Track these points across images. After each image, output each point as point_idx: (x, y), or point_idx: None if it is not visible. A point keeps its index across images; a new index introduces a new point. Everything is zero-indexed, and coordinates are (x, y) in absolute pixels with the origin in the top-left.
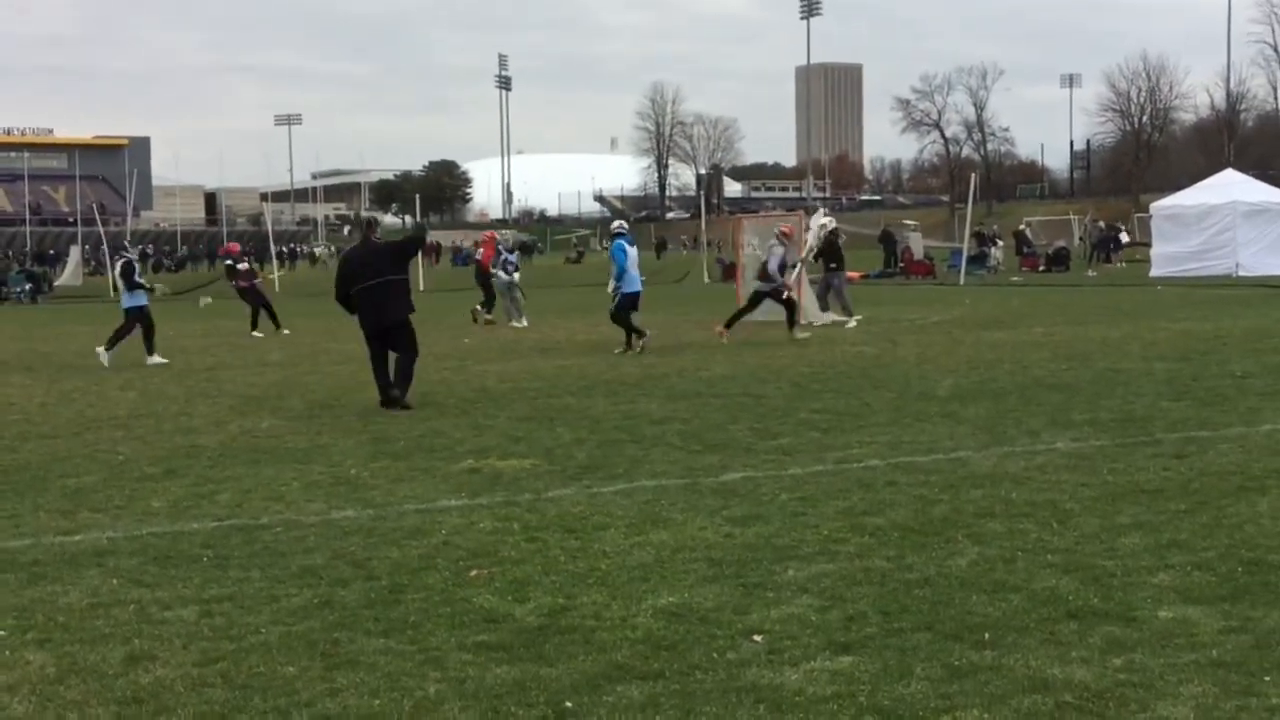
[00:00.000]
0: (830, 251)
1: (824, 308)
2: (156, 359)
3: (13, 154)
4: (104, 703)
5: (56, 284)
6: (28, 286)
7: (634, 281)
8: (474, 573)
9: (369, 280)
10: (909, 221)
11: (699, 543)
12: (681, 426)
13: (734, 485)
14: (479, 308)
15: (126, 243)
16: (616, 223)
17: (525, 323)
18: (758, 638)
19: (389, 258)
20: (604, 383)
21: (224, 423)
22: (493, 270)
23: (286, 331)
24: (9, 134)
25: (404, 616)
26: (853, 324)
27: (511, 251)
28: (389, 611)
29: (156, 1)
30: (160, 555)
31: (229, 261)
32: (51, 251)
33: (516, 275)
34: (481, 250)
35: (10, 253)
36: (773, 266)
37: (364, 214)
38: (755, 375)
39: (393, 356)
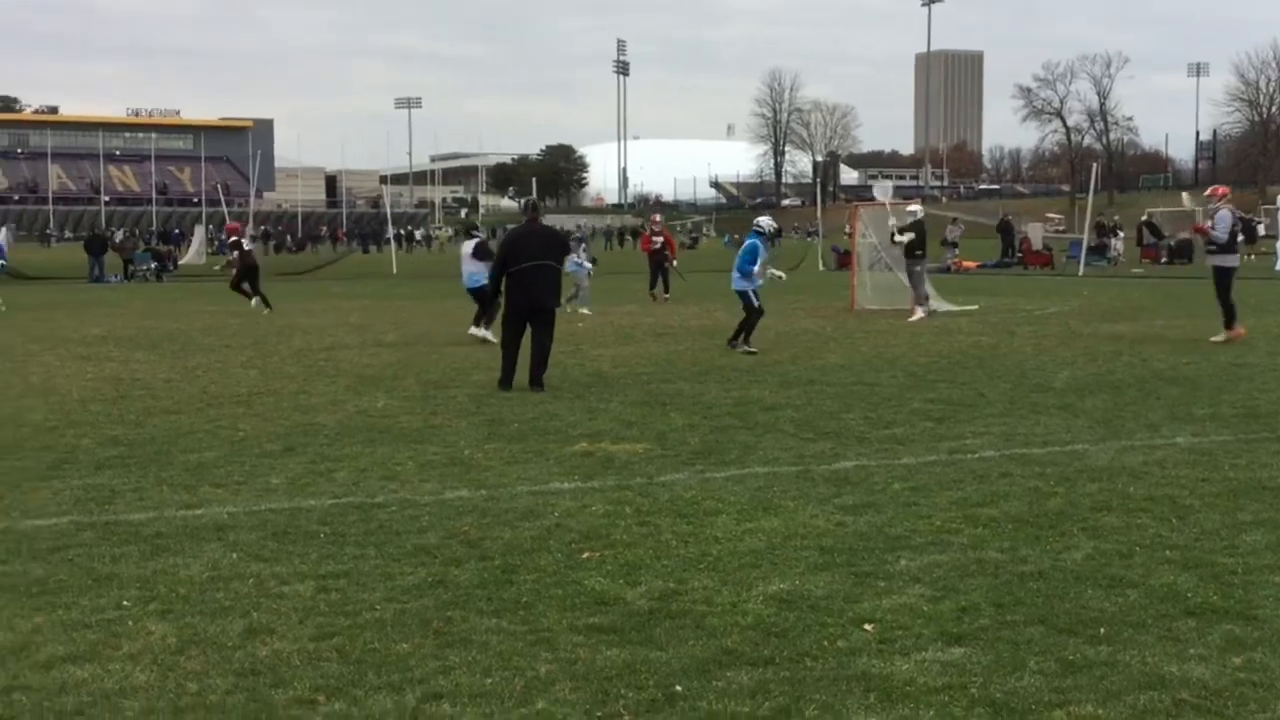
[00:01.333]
0: (917, 240)
1: (924, 297)
2: (480, 332)
3: (141, 135)
4: (223, 674)
5: (181, 262)
6: (153, 265)
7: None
8: (586, 555)
9: (528, 262)
10: (1054, 215)
11: (810, 530)
12: (794, 414)
13: (846, 473)
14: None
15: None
16: (765, 218)
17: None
18: (868, 626)
19: (551, 244)
20: (717, 368)
21: (341, 402)
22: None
23: (255, 304)
24: (137, 115)
25: (516, 597)
26: (920, 314)
27: (585, 242)
28: (501, 592)
29: None
30: (279, 531)
31: (235, 239)
32: (176, 231)
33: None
34: (662, 238)
35: (137, 231)
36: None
37: (529, 197)
38: (869, 364)
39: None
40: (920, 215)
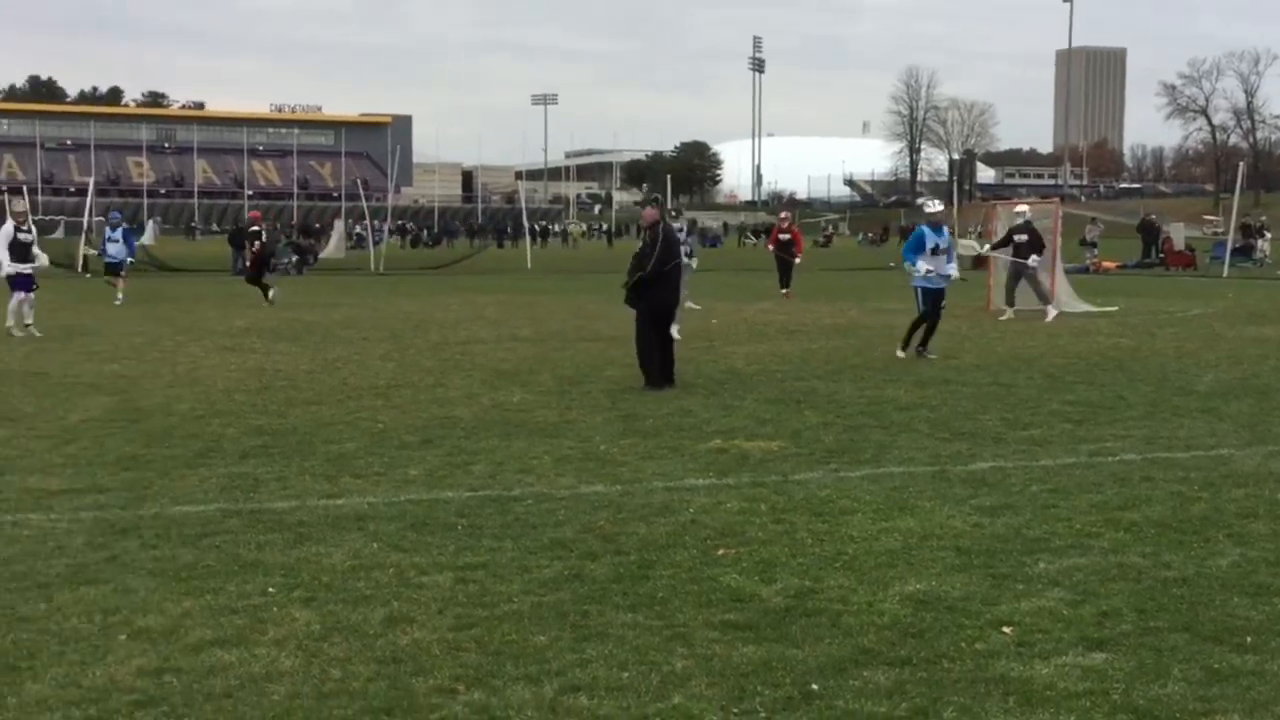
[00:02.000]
0: (1032, 241)
1: (1009, 301)
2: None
3: (283, 130)
4: (365, 661)
5: (321, 256)
6: (294, 258)
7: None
8: (721, 552)
9: (676, 261)
10: (1211, 217)
11: (947, 531)
12: (929, 414)
13: (983, 474)
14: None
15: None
16: (933, 202)
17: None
18: (1007, 629)
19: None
20: (851, 367)
21: (477, 396)
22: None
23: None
24: (280, 111)
25: (652, 592)
26: (1053, 314)
27: (690, 235)
28: (637, 587)
29: None
30: (417, 522)
31: (256, 229)
32: (317, 225)
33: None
34: (788, 234)
35: (278, 226)
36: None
37: (658, 196)
38: (1006, 364)
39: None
40: (1028, 216)
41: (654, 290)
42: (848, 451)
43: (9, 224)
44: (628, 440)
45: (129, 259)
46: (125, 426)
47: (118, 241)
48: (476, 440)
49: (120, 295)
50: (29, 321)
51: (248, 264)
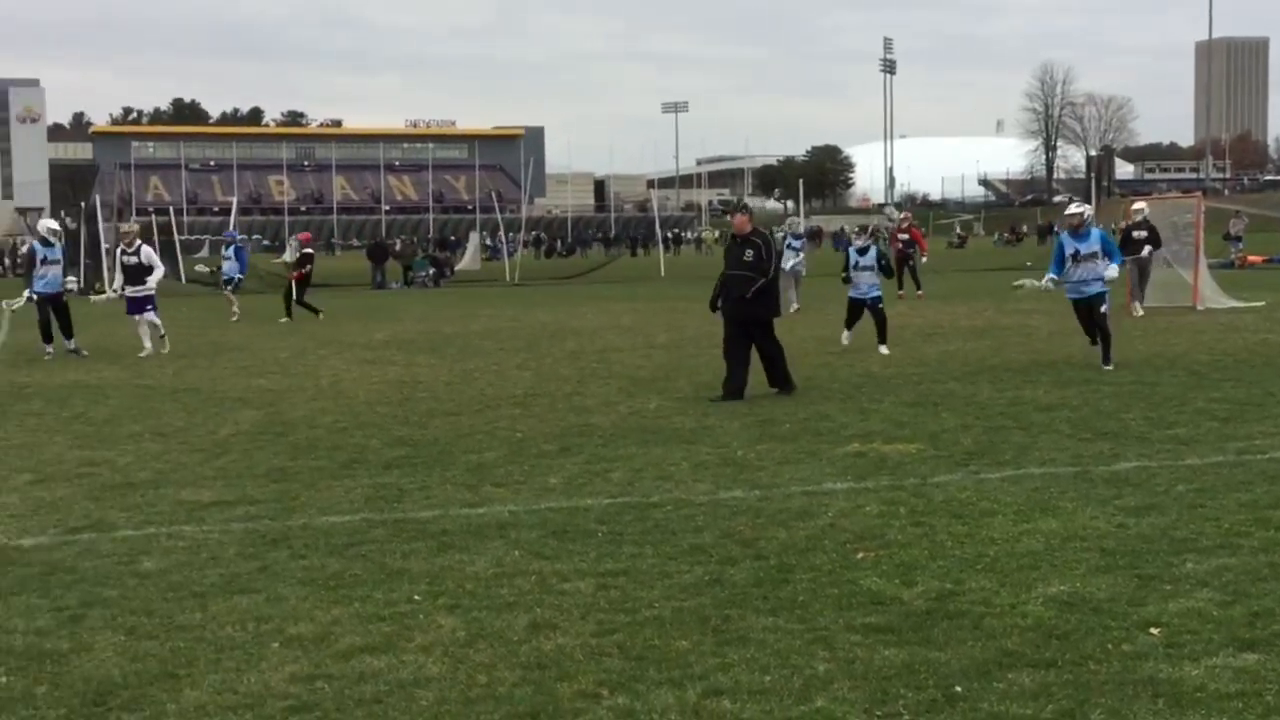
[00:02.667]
0: (1151, 237)
1: (1139, 298)
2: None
3: (419, 145)
4: (510, 667)
5: (457, 268)
6: (431, 271)
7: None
8: (861, 555)
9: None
10: None
11: (1090, 532)
12: (1070, 414)
13: (1127, 474)
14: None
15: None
16: (1073, 205)
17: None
18: (1154, 630)
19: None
20: (989, 368)
21: (614, 403)
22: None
23: (285, 321)
24: (415, 126)
25: (792, 596)
26: (1138, 312)
27: (799, 238)
28: (777, 591)
29: None
30: (558, 529)
31: (308, 250)
32: (452, 238)
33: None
34: (908, 235)
35: (415, 239)
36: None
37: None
38: (1148, 363)
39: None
40: (1146, 213)
41: (763, 299)
42: (987, 453)
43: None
44: (765, 445)
45: (240, 276)
46: (273, 439)
47: (230, 259)
48: (615, 448)
49: (236, 311)
50: (147, 344)
51: (293, 283)
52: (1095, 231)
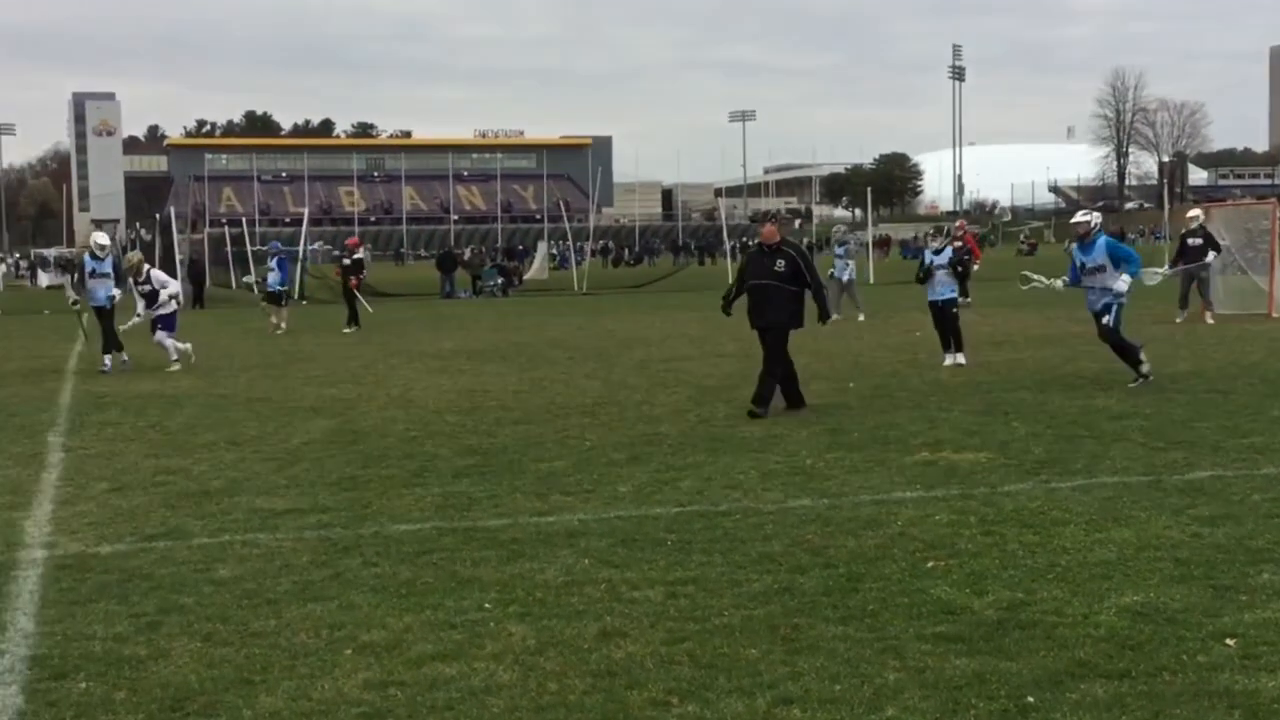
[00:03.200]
0: (1207, 243)
1: (1184, 305)
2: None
3: (487, 155)
4: (580, 674)
5: (525, 278)
6: (499, 280)
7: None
8: (931, 564)
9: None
10: None
11: (1164, 541)
12: (1143, 423)
13: (1201, 484)
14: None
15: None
16: (1079, 214)
17: (861, 316)
18: (1230, 641)
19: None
20: (1059, 377)
21: (683, 411)
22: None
23: (350, 330)
24: (484, 136)
25: (862, 605)
26: (1209, 320)
27: (843, 245)
28: (847, 599)
29: (632, 1)
30: (627, 537)
31: (357, 256)
32: (520, 247)
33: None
34: (961, 242)
35: (484, 248)
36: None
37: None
38: (1222, 371)
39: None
40: (1201, 220)
41: (791, 307)
42: (1058, 462)
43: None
44: (834, 454)
45: (284, 288)
46: (344, 448)
47: (274, 270)
48: (683, 456)
49: (281, 325)
50: (173, 356)
51: (350, 287)
52: (1101, 241)
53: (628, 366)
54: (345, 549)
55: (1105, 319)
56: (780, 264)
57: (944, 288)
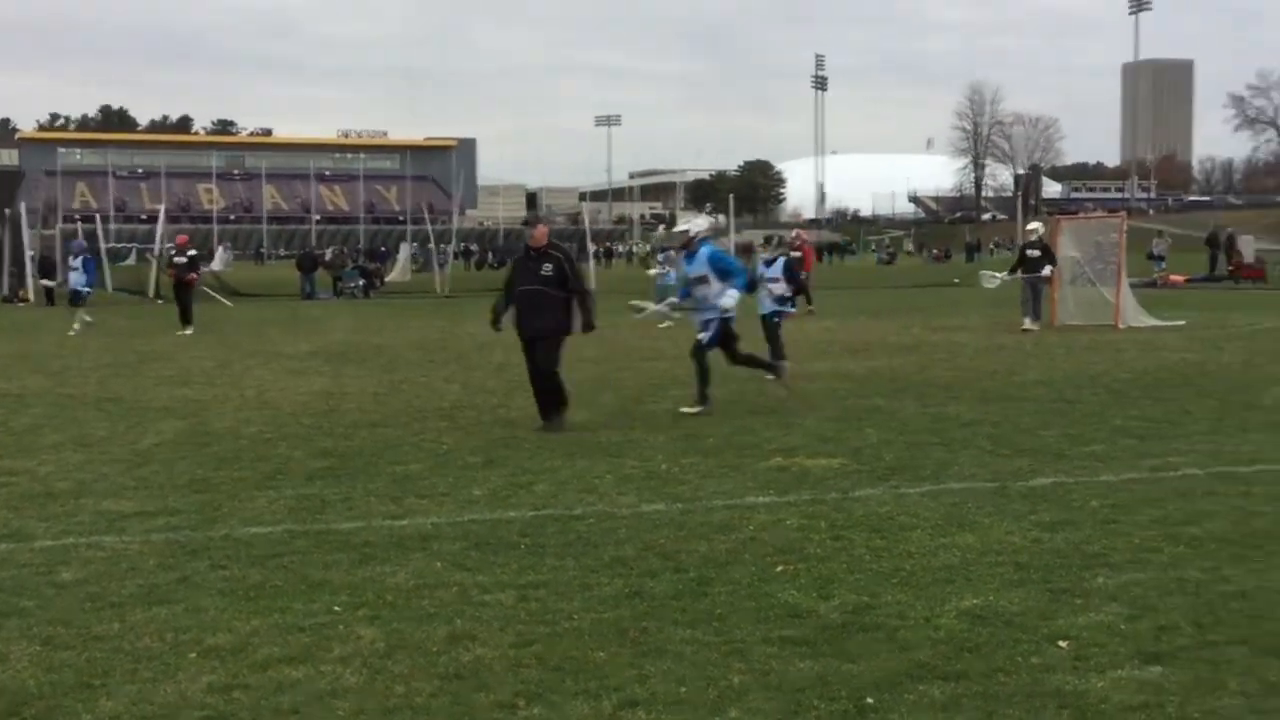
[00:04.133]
0: (1045, 255)
1: (1032, 314)
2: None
3: (350, 155)
4: (428, 677)
5: (387, 279)
6: (361, 282)
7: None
8: (780, 568)
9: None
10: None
11: (1005, 546)
12: (991, 430)
13: (1044, 490)
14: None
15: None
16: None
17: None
18: (1063, 643)
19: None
20: (914, 385)
21: (539, 416)
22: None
23: (185, 331)
24: (347, 136)
25: (710, 608)
26: (1032, 327)
27: (663, 251)
28: (696, 603)
29: (493, 2)
30: (480, 541)
31: (191, 254)
32: (383, 248)
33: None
34: (799, 252)
35: (345, 249)
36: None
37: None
38: (1069, 380)
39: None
40: (1041, 232)
41: (558, 313)
42: (908, 468)
43: None
44: (689, 459)
45: (87, 289)
46: (196, 450)
47: (78, 270)
48: (539, 460)
49: (77, 325)
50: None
51: (185, 284)
52: (704, 252)
53: (487, 370)
54: (194, 552)
55: (702, 335)
56: (548, 268)
57: (773, 300)
